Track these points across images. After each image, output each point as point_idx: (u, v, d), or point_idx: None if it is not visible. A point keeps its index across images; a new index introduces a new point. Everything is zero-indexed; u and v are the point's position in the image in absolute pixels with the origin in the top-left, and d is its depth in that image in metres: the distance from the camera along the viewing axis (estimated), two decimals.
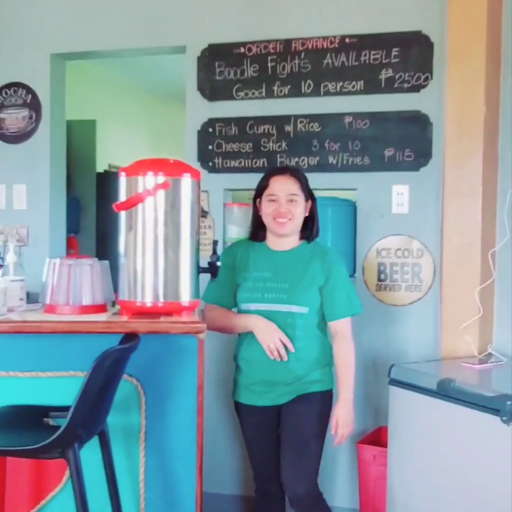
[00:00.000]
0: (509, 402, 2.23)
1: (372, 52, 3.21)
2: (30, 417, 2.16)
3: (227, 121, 3.40)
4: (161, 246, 2.23)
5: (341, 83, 3.25)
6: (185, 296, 2.25)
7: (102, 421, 2.08)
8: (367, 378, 3.27)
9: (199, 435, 2.28)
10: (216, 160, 3.42)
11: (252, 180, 3.38)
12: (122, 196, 2.26)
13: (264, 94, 3.35)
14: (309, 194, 2.58)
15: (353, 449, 3.20)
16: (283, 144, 3.33)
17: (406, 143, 3.18)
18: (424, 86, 3.16)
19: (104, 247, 4.60)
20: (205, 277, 2.38)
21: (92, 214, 4.99)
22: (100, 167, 5.37)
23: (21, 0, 3.70)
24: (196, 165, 3.38)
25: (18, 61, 3.71)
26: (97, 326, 2.12)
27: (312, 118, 3.29)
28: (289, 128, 3.32)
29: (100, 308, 2.29)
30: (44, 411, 2.20)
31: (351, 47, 3.23)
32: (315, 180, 2.75)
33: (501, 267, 3.04)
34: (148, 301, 2.22)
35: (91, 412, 1.94)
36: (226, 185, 3.44)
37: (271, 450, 2.61)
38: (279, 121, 3.34)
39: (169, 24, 3.49)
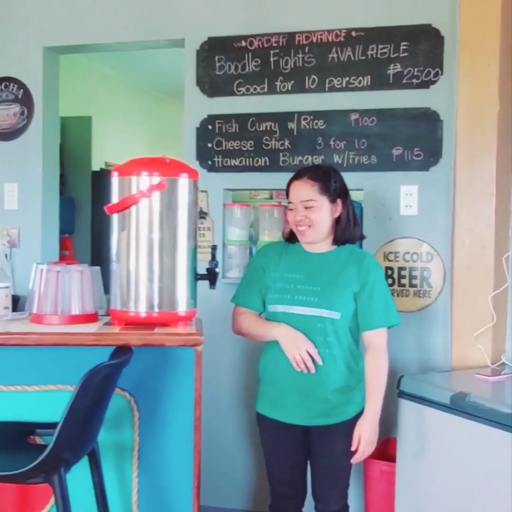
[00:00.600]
0: None
1: (380, 46, 3.09)
2: (14, 435, 2.04)
3: (227, 118, 3.28)
4: (156, 251, 2.12)
5: (347, 79, 3.13)
6: (182, 306, 2.13)
7: (91, 442, 1.95)
8: None
9: (196, 453, 2.17)
10: (215, 159, 3.29)
11: (253, 179, 3.29)
12: (115, 198, 2.14)
13: (266, 89, 3.23)
14: (337, 194, 2.41)
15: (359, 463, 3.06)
16: (286, 142, 3.21)
17: (415, 141, 3.06)
18: (434, 82, 3.04)
19: (100, 248, 4.48)
20: (203, 285, 2.24)
21: (87, 214, 4.89)
22: (96, 166, 5.27)
23: None
24: (195, 164, 3.26)
25: (9, 55, 3.59)
26: (86, 338, 1.98)
27: (317, 115, 3.17)
28: (292, 125, 3.20)
29: (91, 318, 2.17)
30: (30, 428, 2.09)
31: (358, 41, 3.11)
32: None
33: None
34: (142, 310, 2.11)
35: (78, 433, 1.81)
36: (226, 185, 3.32)
37: (292, 468, 2.47)
38: (282, 118, 3.21)
39: (166, 16, 3.37)
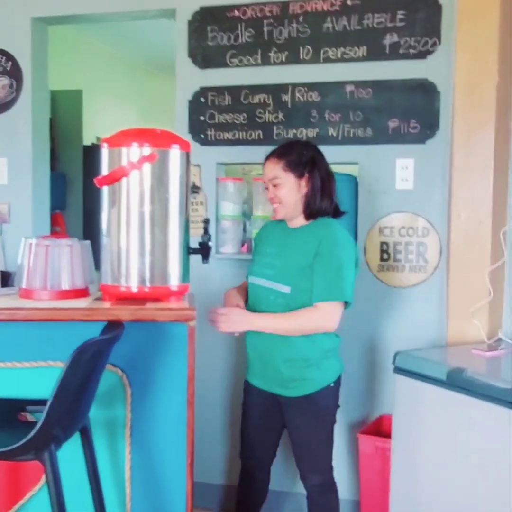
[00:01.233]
0: None
1: (376, 16, 3.01)
2: (5, 412, 2.00)
3: (220, 90, 3.21)
4: (147, 224, 2.07)
5: (342, 49, 3.06)
6: (174, 280, 2.09)
7: (82, 418, 1.91)
8: (367, 363, 3.11)
9: (189, 430, 2.14)
10: (208, 132, 3.23)
11: (247, 153, 3.23)
12: (105, 170, 2.09)
13: (259, 61, 3.15)
14: (304, 169, 2.39)
15: (352, 438, 3.05)
16: (280, 115, 3.15)
17: (412, 113, 3.00)
18: (431, 52, 2.97)
19: (92, 224, 4.40)
20: (196, 259, 2.19)
21: (79, 189, 4.83)
22: (87, 140, 5.19)
23: None
24: (187, 137, 3.19)
25: None
26: (76, 313, 1.94)
27: (311, 86, 3.10)
28: (286, 97, 3.13)
29: (81, 293, 2.12)
30: (20, 405, 2.05)
31: (353, 10, 3.04)
32: None
33: None
34: (133, 285, 2.06)
35: (69, 410, 1.77)
36: (219, 158, 3.26)
37: (266, 435, 2.57)
38: (275, 90, 3.14)
39: None
